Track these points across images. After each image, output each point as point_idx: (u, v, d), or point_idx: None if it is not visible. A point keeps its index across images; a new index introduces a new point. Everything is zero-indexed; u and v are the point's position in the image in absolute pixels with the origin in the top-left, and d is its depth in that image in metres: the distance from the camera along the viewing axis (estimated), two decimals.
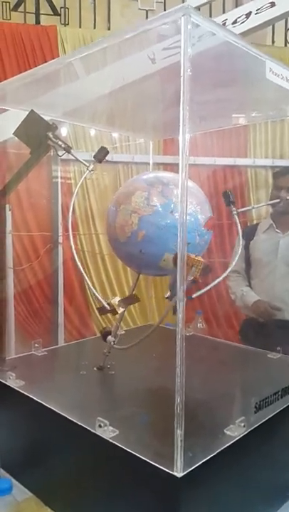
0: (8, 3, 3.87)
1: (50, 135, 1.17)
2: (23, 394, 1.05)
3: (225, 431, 0.89)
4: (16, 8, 3.74)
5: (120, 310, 1.17)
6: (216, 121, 1.61)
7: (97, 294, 1.15)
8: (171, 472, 0.75)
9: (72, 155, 1.20)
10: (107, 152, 1.26)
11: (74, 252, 1.35)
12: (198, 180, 3.47)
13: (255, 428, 0.91)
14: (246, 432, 0.88)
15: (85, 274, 1.50)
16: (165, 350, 1.07)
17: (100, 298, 1.17)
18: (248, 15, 2.52)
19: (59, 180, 3.16)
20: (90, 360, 1.29)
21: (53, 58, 3.02)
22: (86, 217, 3.26)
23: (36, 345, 1.34)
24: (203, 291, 1.10)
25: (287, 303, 1.96)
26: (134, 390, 1.13)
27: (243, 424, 0.89)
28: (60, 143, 1.18)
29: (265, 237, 2.04)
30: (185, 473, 0.75)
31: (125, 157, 3.31)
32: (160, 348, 1.31)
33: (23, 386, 1.09)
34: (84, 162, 1.23)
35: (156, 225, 1.06)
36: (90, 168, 1.23)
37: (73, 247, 1.37)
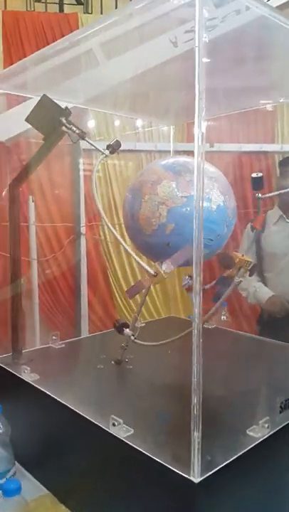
0: None
1: (64, 120, 1.12)
2: (38, 388, 1.02)
3: (247, 432, 0.83)
4: None
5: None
6: (241, 102, 1.53)
7: (141, 262, 1.05)
8: (188, 477, 0.70)
9: (87, 141, 1.15)
10: (120, 145, 1.20)
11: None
12: (222, 167, 3.38)
13: (281, 429, 0.85)
14: (270, 434, 0.82)
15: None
16: (187, 345, 1.02)
17: (144, 265, 1.04)
18: None
19: (81, 171, 3.13)
20: (108, 353, 1.25)
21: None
22: (109, 207, 3.22)
23: (54, 337, 1.32)
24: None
25: None
26: (152, 387, 1.08)
27: (267, 425, 0.83)
28: (74, 128, 1.13)
29: (276, 229, 1.94)
30: (202, 478, 0.70)
31: (148, 145, 3.25)
32: (182, 342, 1.26)
33: (38, 380, 1.06)
34: (99, 148, 1.18)
35: (187, 218, 1.00)
36: (105, 153, 1.17)
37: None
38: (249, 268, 1.02)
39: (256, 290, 1.96)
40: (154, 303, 3.29)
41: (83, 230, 3.15)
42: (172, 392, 1.05)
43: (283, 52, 1.12)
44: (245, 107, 1.76)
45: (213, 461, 0.73)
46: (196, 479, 0.69)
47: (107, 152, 1.17)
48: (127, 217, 1.12)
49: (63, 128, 1.14)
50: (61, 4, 4.04)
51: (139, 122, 2.85)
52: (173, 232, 1.01)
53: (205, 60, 0.65)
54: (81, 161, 3.12)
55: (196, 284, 0.68)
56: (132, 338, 1.15)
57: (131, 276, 3.36)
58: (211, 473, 0.71)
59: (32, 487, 1.03)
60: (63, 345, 1.31)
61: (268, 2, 1.98)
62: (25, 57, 1.26)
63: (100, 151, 1.18)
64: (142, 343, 1.14)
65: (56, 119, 1.12)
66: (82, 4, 4.06)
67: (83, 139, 1.15)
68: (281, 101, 1.71)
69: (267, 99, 1.71)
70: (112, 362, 1.19)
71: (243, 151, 3.43)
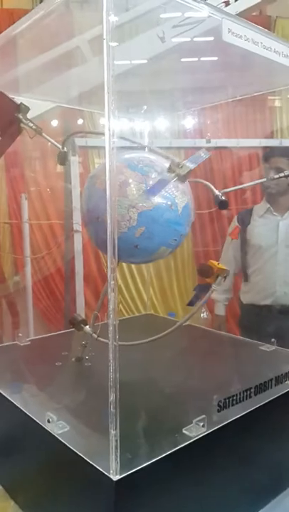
0: None
1: (21, 117, 1.12)
2: None
3: (183, 431, 0.82)
4: None
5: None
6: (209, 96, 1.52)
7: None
8: (107, 474, 0.69)
9: (44, 136, 1.15)
10: (65, 154, 1.21)
11: None
12: (219, 163, 3.35)
13: (220, 428, 0.83)
14: (205, 433, 0.81)
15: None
16: (153, 343, 1.02)
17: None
18: None
19: (77, 167, 3.13)
20: (73, 350, 1.25)
21: None
22: None
23: (20, 334, 1.32)
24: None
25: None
26: (104, 385, 1.07)
27: (202, 424, 0.82)
28: (30, 124, 1.13)
29: (262, 222, 1.92)
30: (122, 476, 0.69)
31: (141, 141, 3.22)
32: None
33: None
34: (57, 145, 1.18)
35: (157, 221, 1.00)
36: (63, 150, 1.17)
37: None
38: (225, 275, 1.05)
39: (215, 302, 2.08)
40: (133, 298, 3.30)
41: (79, 227, 3.15)
42: (123, 391, 1.04)
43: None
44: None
45: (137, 459, 0.73)
46: (115, 477, 0.69)
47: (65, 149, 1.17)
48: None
49: (22, 124, 1.14)
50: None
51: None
52: (142, 235, 1.00)
53: (112, 44, 0.63)
54: (76, 158, 3.12)
55: (111, 280, 0.67)
56: (95, 336, 1.14)
57: (128, 273, 3.36)
58: (131, 471, 0.70)
59: None
60: (29, 343, 1.32)
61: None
62: None
63: (58, 148, 1.18)
64: (105, 340, 1.12)
65: (13, 115, 1.12)
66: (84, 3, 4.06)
67: (40, 134, 1.15)
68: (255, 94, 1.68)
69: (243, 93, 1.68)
70: (73, 359, 1.18)
71: (241, 147, 3.38)
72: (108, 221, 0.65)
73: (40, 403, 0.94)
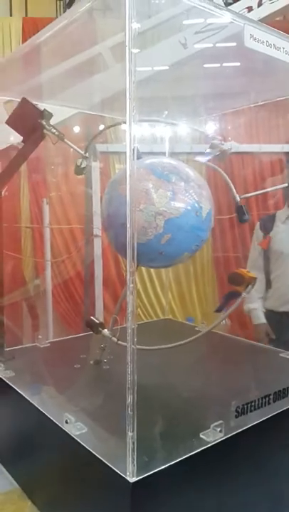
0: (63, 1, 3.93)
1: (44, 123, 1.15)
2: (9, 385, 1.04)
3: (200, 435, 0.82)
4: (69, 5, 3.81)
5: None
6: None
7: None
8: (124, 476, 0.70)
9: (66, 142, 1.17)
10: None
11: None
12: (241, 169, 3.33)
13: (236, 434, 0.83)
14: (223, 438, 0.81)
15: None
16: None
17: None
18: None
19: (98, 173, 3.16)
20: (91, 353, 1.26)
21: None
22: None
23: (40, 336, 1.34)
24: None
25: None
26: (121, 387, 1.08)
27: (219, 429, 0.81)
28: (53, 130, 1.15)
29: (285, 228, 1.90)
30: (139, 478, 0.69)
31: (161, 147, 3.24)
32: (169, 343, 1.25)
33: (12, 377, 1.08)
34: (79, 150, 1.20)
35: (183, 228, 1.01)
36: (85, 156, 1.19)
37: None
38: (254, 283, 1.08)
39: (251, 311, 1.98)
40: (152, 304, 3.29)
41: (99, 231, 3.18)
42: (141, 394, 1.05)
43: None
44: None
45: (154, 462, 0.73)
46: (131, 479, 0.69)
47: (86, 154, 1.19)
48: (109, 220, 1.10)
49: (45, 130, 1.16)
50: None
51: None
52: (168, 242, 1.01)
53: (134, 51, 0.64)
54: (97, 163, 3.15)
55: (130, 284, 0.68)
56: (114, 339, 1.15)
57: (147, 278, 3.36)
58: (148, 474, 0.70)
59: (5, 481, 1.05)
60: (48, 345, 1.33)
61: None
62: None
63: (80, 153, 1.20)
64: (124, 344, 1.12)
65: (36, 121, 1.15)
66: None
67: (62, 140, 1.17)
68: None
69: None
70: (91, 362, 1.19)
71: (263, 152, 3.36)
72: (128, 225, 0.66)
73: (59, 405, 0.95)
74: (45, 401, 0.96)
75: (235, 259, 3.25)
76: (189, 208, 1.00)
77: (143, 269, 3.31)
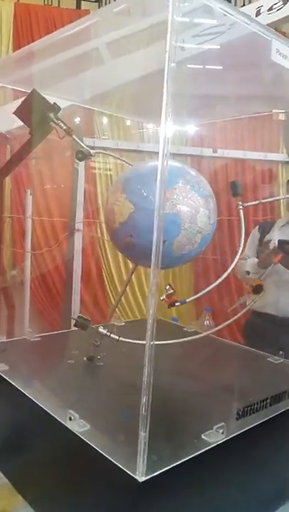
0: None
1: (52, 116, 1.13)
2: (4, 378, 1.03)
3: (202, 436, 0.83)
4: None
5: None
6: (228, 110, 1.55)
7: None
8: (133, 475, 0.71)
9: (74, 138, 1.16)
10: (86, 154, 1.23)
11: None
12: (225, 173, 3.39)
13: (237, 436, 0.85)
14: (225, 439, 0.83)
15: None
16: (160, 346, 1.02)
17: None
18: (286, 1, 2.40)
19: (83, 167, 3.14)
20: (83, 349, 1.26)
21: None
22: None
23: (30, 330, 1.32)
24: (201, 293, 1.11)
25: None
26: (118, 384, 1.09)
27: (221, 431, 0.83)
28: (61, 124, 1.14)
29: (279, 233, 1.96)
30: (147, 477, 0.70)
31: (151, 146, 3.26)
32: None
33: (6, 371, 1.07)
34: (85, 146, 1.19)
35: (207, 240, 1.08)
36: (90, 153, 1.19)
37: None
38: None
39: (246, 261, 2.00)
40: (138, 303, 3.31)
41: (80, 225, 3.16)
42: (136, 392, 1.05)
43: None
44: (248, 113, 1.77)
45: (161, 461, 0.74)
46: (141, 478, 0.70)
47: (92, 151, 1.19)
48: (138, 231, 1.03)
49: (52, 124, 1.15)
50: (78, 1, 4.06)
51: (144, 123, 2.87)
52: (195, 253, 1.08)
53: (172, 65, 0.65)
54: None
55: (153, 286, 0.68)
56: (115, 337, 1.14)
57: (125, 274, 3.37)
58: (157, 473, 0.71)
59: None
60: (39, 339, 1.32)
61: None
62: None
63: (85, 148, 1.19)
64: (128, 340, 1.12)
65: (45, 114, 1.13)
66: (99, 1, 4.08)
67: (70, 135, 1.16)
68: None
69: (275, 107, 1.72)
70: (84, 358, 1.19)
71: (248, 159, 3.43)
72: (154, 234, 0.67)
73: (59, 401, 0.95)
74: (44, 396, 0.95)
75: (214, 261, 3.31)
76: (214, 222, 1.08)
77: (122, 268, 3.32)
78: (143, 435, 0.70)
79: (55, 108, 1.14)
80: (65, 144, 1.31)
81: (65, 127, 1.14)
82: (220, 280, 1.14)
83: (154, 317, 0.69)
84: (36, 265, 3.10)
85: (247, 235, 2.12)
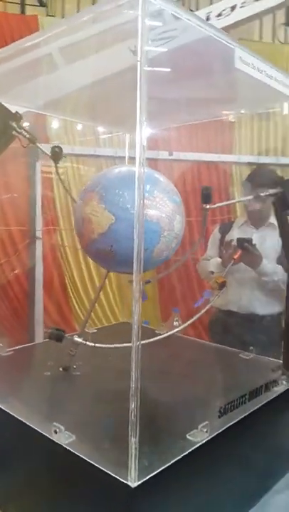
0: None
1: (14, 125, 1.12)
2: None
3: (187, 436, 0.85)
4: None
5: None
6: (192, 114, 1.58)
7: None
8: (125, 482, 0.71)
9: (37, 146, 1.15)
10: (60, 150, 1.22)
11: None
12: (179, 176, 3.44)
13: (220, 433, 0.87)
14: (209, 438, 0.85)
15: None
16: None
17: None
18: (234, 8, 2.48)
19: (38, 173, 3.09)
20: (57, 360, 1.24)
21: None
22: (67, 212, 3.20)
23: (0, 344, 1.29)
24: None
25: (257, 297, 1.96)
26: (96, 393, 1.08)
27: (205, 430, 0.85)
28: (24, 133, 1.12)
29: (238, 232, 2.02)
30: (140, 482, 0.71)
31: (108, 151, 3.26)
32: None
33: None
34: (48, 153, 1.18)
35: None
36: (56, 162, 1.18)
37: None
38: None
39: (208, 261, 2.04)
40: (112, 307, 3.29)
41: (39, 234, 3.11)
42: (115, 398, 1.06)
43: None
44: (206, 118, 1.81)
45: (150, 465, 0.75)
46: (133, 484, 0.70)
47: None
48: (114, 236, 1.01)
49: (14, 132, 1.13)
50: (23, 5, 3.99)
51: (100, 128, 2.87)
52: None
53: (147, 69, 0.66)
54: (39, 163, 3.08)
55: (136, 292, 0.69)
56: (91, 344, 1.12)
57: (88, 280, 3.34)
58: (148, 477, 0.72)
59: None
60: (11, 353, 1.29)
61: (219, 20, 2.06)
62: None
63: (48, 156, 1.18)
64: (104, 346, 1.10)
65: (6, 123, 1.11)
66: (45, 6, 4.03)
67: (34, 143, 1.14)
68: (242, 112, 1.78)
69: (228, 109, 1.77)
70: (60, 369, 1.18)
71: (203, 161, 3.50)
72: (135, 240, 0.68)
73: (40, 414, 0.93)
74: (25, 411, 0.93)
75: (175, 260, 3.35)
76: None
77: (94, 276, 3.29)
78: (133, 441, 0.70)
79: (17, 117, 1.12)
80: (17, 151, 1.29)
81: (28, 136, 1.13)
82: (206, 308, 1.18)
83: (139, 322, 0.70)
84: None
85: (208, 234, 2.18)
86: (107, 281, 3.21)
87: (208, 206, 1.20)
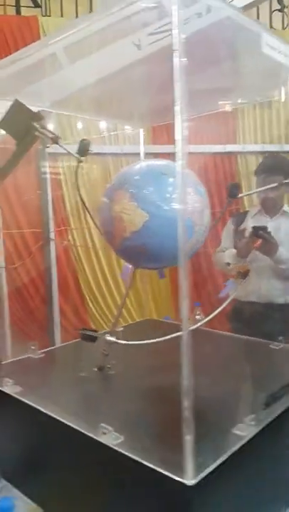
0: None
1: (37, 125, 1.10)
2: (21, 401, 0.99)
3: (234, 431, 0.84)
4: None
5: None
6: (206, 105, 1.56)
7: None
8: (182, 480, 0.70)
9: (61, 145, 1.14)
10: (89, 143, 1.21)
11: None
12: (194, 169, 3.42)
13: (267, 425, 0.87)
14: (257, 430, 0.84)
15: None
16: (165, 346, 1.02)
17: None
18: None
19: (48, 175, 3.08)
20: (89, 360, 1.23)
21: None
22: (77, 211, 3.19)
23: (33, 347, 1.29)
24: None
25: (275, 286, 1.97)
26: (136, 391, 1.08)
27: (253, 423, 0.84)
28: (47, 133, 1.11)
29: (252, 222, 2.02)
30: (196, 480, 0.70)
31: (114, 148, 3.24)
32: (158, 344, 1.26)
33: (21, 392, 1.03)
34: (73, 153, 1.17)
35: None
36: (80, 159, 1.17)
37: None
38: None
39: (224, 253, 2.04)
40: (126, 306, 3.28)
41: (52, 235, 3.10)
42: (157, 395, 1.05)
43: (242, 52, 1.14)
44: (209, 110, 1.79)
45: (204, 462, 0.74)
46: (190, 482, 0.69)
47: (82, 158, 1.17)
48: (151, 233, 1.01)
49: (37, 133, 1.12)
50: (18, 7, 3.96)
51: (103, 125, 2.84)
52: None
53: (183, 60, 0.65)
54: (47, 164, 3.07)
55: (184, 287, 0.68)
56: (122, 342, 1.12)
57: (102, 279, 3.34)
58: (204, 475, 0.71)
59: (20, 502, 1.00)
60: (43, 355, 1.29)
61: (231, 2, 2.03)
62: None
63: (74, 156, 1.17)
64: (139, 342, 1.08)
65: (29, 123, 1.10)
66: (39, 7, 4.00)
67: (57, 143, 1.13)
68: (239, 102, 1.77)
69: (226, 100, 1.75)
70: (95, 369, 1.17)
71: (212, 152, 3.47)
72: (179, 235, 0.67)
73: (84, 415, 0.92)
74: (68, 413, 0.92)
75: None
76: None
77: (108, 274, 3.28)
78: (188, 438, 0.69)
79: (38, 117, 1.11)
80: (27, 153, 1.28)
81: (51, 135, 1.12)
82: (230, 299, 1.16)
83: (187, 321, 0.69)
84: (11, 281, 3.00)
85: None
86: (118, 275, 3.22)
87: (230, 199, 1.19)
